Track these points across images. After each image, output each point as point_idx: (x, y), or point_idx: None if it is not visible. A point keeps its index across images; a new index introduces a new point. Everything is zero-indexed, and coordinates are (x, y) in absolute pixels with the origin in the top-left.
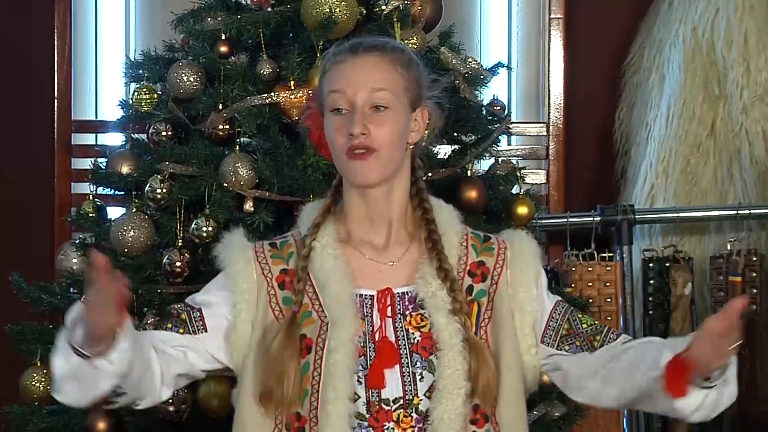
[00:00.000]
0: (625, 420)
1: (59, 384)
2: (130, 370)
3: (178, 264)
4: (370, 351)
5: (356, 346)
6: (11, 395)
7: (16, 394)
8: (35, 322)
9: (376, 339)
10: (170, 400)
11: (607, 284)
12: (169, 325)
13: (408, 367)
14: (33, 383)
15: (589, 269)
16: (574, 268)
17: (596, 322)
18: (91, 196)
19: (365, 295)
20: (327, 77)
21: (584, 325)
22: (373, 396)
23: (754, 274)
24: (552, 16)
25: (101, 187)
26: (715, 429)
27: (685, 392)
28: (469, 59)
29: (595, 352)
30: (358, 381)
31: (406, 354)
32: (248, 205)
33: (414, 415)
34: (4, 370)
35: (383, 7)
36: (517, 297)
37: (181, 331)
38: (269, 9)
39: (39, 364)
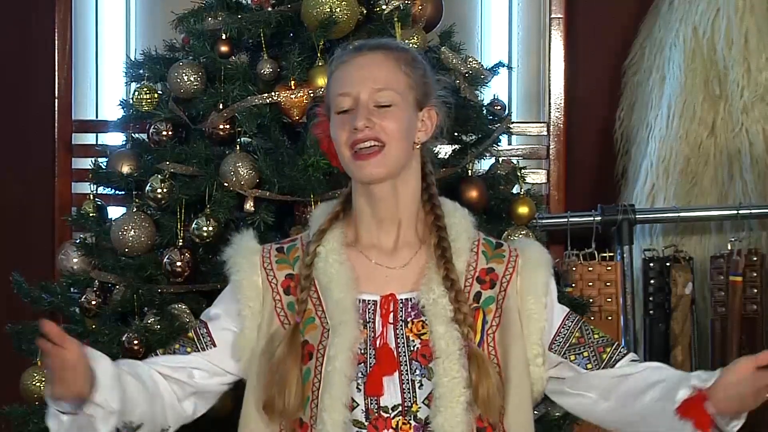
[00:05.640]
0: None
1: None
2: (129, 404)
3: (179, 264)
4: (370, 358)
5: (355, 354)
6: (11, 395)
7: (17, 394)
8: (36, 321)
9: (377, 345)
10: None
11: (608, 284)
12: (177, 346)
13: (407, 374)
14: (33, 383)
15: (590, 269)
16: (574, 268)
17: (606, 335)
18: (91, 195)
19: (368, 300)
20: (332, 81)
21: (595, 336)
22: (371, 403)
23: (755, 274)
24: (552, 15)
25: (102, 187)
26: None
27: (709, 428)
28: (470, 59)
29: (600, 371)
30: (357, 388)
31: (405, 361)
32: (249, 205)
33: (413, 422)
34: (4, 370)
35: (384, 6)
36: (526, 305)
37: (189, 350)
38: (270, 9)
39: (39, 364)
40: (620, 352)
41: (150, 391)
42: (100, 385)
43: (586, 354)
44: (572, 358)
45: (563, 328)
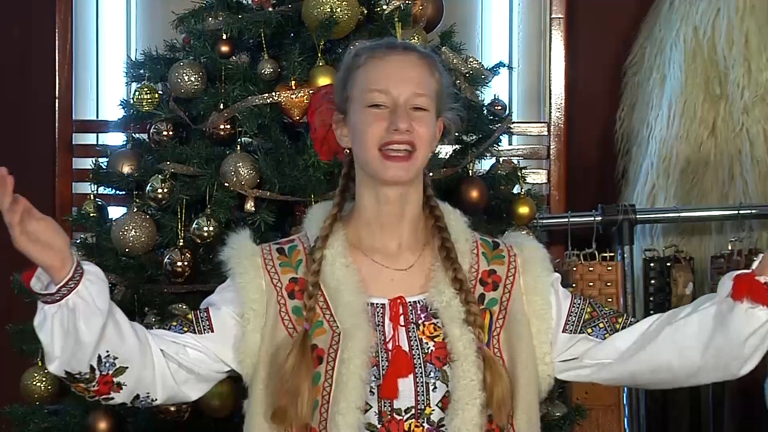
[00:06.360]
0: (625, 420)
1: (54, 355)
2: (116, 331)
3: (179, 264)
4: (383, 360)
5: (370, 357)
6: (11, 395)
7: (17, 394)
8: None
9: (389, 348)
10: None
11: (608, 284)
12: (174, 323)
13: (422, 377)
14: (33, 383)
15: (590, 269)
16: (575, 268)
17: (614, 308)
18: (92, 195)
19: (377, 303)
20: (363, 73)
21: (606, 309)
22: (385, 406)
23: None
24: (553, 15)
25: (102, 187)
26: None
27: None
28: (470, 59)
29: (623, 331)
30: (370, 391)
31: (420, 363)
32: (249, 205)
33: (425, 425)
34: (4, 370)
35: (384, 6)
36: (533, 305)
37: (185, 329)
38: (270, 9)
39: (39, 364)
40: (631, 320)
41: (141, 341)
42: (86, 279)
43: (601, 325)
44: (589, 331)
45: (573, 306)
